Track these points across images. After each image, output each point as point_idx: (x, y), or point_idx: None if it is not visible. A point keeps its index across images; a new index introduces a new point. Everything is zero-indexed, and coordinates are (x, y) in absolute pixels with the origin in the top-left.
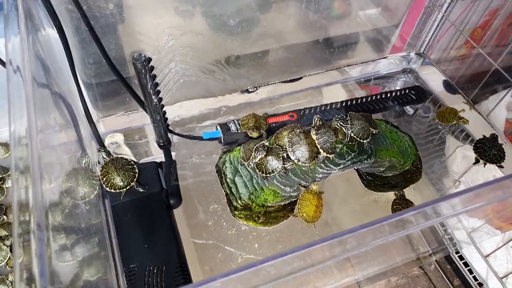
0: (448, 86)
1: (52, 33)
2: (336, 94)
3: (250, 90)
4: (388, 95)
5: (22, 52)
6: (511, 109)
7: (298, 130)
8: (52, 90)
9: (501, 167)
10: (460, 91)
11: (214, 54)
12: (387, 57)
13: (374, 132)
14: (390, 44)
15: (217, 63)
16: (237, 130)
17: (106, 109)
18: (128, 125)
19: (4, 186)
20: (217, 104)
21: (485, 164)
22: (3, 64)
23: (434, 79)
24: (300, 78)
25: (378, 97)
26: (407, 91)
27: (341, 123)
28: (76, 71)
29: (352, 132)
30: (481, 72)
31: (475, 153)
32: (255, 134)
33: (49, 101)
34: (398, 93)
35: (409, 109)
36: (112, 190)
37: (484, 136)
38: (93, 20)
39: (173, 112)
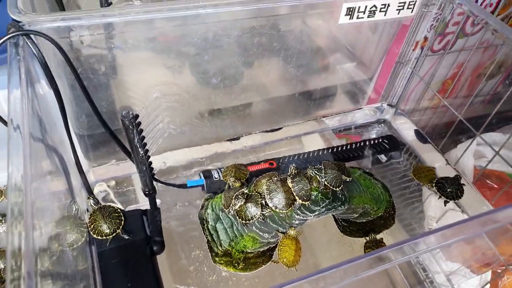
0: (420, 135)
1: (48, 89)
2: (314, 143)
3: (233, 140)
4: (362, 144)
5: (22, 110)
6: (478, 157)
7: (275, 178)
8: (46, 142)
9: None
10: (429, 140)
11: (199, 107)
12: (362, 108)
13: (347, 179)
14: (366, 96)
15: (201, 116)
16: (220, 177)
17: (96, 159)
18: (117, 174)
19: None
20: (201, 153)
21: (445, 202)
22: (5, 122)
23: (406, 129)
24: (281, 128)
25: (353, 146)
26: (380, 140)
27: (315, 172)
28: (69, 124)
29: (326, 180)
30: (449, 122)
31: (436, 189)
32: (237, 184)
33: (43, 152)
34: (372, 142)
35: (383, 157)
36: (99, 237)
37: (448, 176)
38: (87, 80)
39: (159, 161)
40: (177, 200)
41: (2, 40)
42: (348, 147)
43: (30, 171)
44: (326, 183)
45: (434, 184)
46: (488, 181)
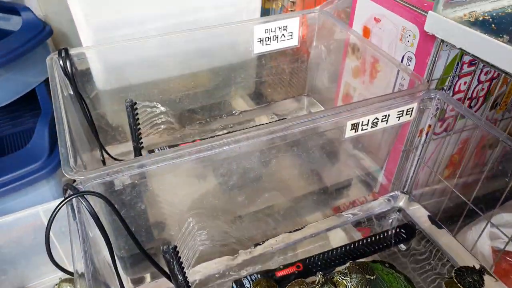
0: (434, 220)
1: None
2: (337, 237)
3: (258, 245)
4: (382, 236)
5: (85, 263)
6: (493, 238)
7: (304, 285)
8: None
9: None
10: (443, 226)
11: (225, 221)
12: (377, 198)
13: (371, 278)
14: (377, 184)
15: (228, 228)
16: (250, 285)
17: (136, 274)
18: None
19: None
20: (231, 262)
21: None
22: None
23: (420, 215)
24: (303, 227)
25: (373, 238)
26: (398, 230)
27: (342, 277)
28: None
29: (352, 285)
30: (460, 203)
31: (455, 276)
32: None
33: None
34: (389, 233)
35: (402, 246)
36: None
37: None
38: (128, 219)
39: (192, 276)
40: None
41: (63, 203)
42: (369, 240)
43: None
44: (352, 287)
45: (454, 272)
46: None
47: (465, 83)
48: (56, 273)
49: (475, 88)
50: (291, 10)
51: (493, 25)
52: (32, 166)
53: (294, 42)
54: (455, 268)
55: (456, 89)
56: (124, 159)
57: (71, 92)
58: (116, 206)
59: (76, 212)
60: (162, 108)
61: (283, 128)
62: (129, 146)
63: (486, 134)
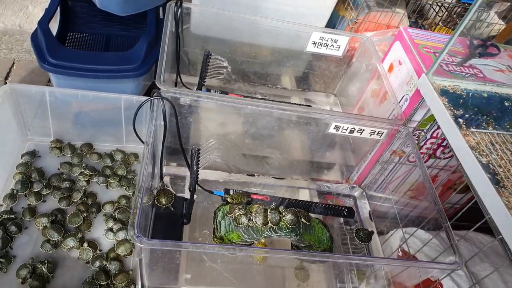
0: (370, 215)
1: (160, 125)
2: (303, 195)
3: (251, 175)
4: (331, 206)
5: (152, 136)
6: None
7: (262, 207)
8: (152, 151)
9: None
10: (373, 219)
11: (235, 152)
12: (342, 183)
13: (307, 223)
14: (350, 174)
15: (235, 156)
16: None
17: (168, 162)
18: (177, 173)
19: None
20: (229, 177)
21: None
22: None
23: (364, 207)
24: (284, 178)
25: (324, 205)
26: (342, 208)
27: (283, 211)
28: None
29: (286, 219)
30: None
31: (354, 232)
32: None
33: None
34: (337, 207)
35: (340, 220)
36: (159, 204)
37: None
38: (179, 123)
39: (201, 174)
40: (206, 199)
41: (149, 99)
42: (322, 205)
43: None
44: (285, 220)
45: (354, 230)
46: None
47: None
48: (113, 143)
49: None
50: (351, 27)
51: (461, 100)
52: (127, 66)
53: (339, 53)
54: (357, 228)
55: (434, 135)
56: (190, 89)
57: (173, 30)
58: (176, 113)
59: (154, 107)
60: (227, 64)
61: (292, 110)
62: (195, 79)
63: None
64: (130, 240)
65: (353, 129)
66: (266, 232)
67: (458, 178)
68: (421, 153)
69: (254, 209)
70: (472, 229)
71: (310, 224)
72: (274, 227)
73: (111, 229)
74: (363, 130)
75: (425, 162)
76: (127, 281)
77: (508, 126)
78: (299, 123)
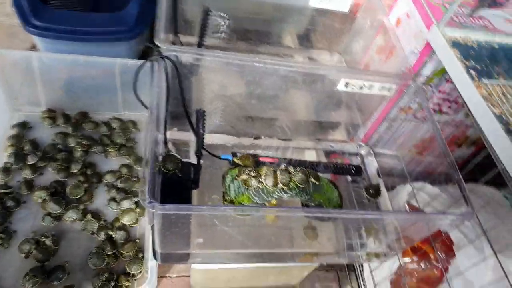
0: (378, 172)
1: (164, 85)
2: (310, 156)
3: (257, 138)
4: (339, 166)
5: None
6: (411, 197)
7: (272, 168)
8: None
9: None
10: (381, 176)
11: (241, 114)
12: (348, 141)
13: (316, 183)
14: (356, 133)
15: (241, 118)
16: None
17: (173, 126)
18: (182, 138)
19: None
20: (235, 141)
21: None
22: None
23: (371, 165)
24: (291, 140)
25: (332, 165)
26: (350, 167)
27: (293, 170)
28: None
29: (296, 178)
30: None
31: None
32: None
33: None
34: (345, 166)
35: (348, 178)
36: (165, 170)
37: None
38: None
39: (208, 138)
40: (213, 164)
41: (150, 59)
42: (329, 164)
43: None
44: (295, 180)
45: (363, 187)
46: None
47: (450, 88)
48: (109, 111)
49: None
50: None
51: (472, 52)
52: (120, 28)
53: (344, 8)
54: (366, 185)
55: (442, 89)
56: (190, 47)
57: None
58: (179, 73)
59: (155, 68)
60: (228, 21)
61: (300, 67)
62: (193, 39)
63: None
64: (135, 208)
65: (362, 86)
66: (277, 193)
67: (462, 134)
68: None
69: (264, 171)
70: (484, 180)
71: (320, 183)
72: (285, 187)
73: (114, 199)
74: (373, 86)
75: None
76: (135, 249)
77: None
78: (305, 82)
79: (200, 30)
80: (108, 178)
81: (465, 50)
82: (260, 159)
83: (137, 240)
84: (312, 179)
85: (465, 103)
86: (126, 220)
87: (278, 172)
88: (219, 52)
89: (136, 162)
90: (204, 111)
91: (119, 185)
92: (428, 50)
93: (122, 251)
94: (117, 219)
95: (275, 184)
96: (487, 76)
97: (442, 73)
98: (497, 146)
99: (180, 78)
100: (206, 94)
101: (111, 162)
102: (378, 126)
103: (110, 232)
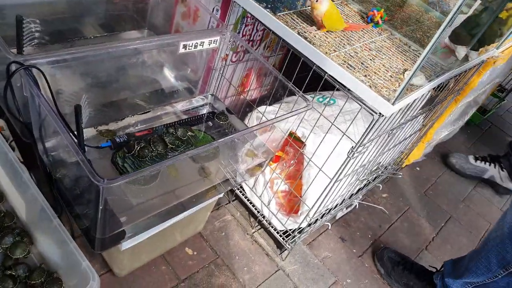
0: (228, 111)
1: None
2: (171, 119)
3: (121, 120)
4: (199, 116)
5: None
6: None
7: (156, 135)
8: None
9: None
10: (233, 112)
11: (103, 101)
12: (196, 97)
13: (192, 133)
14: (197, 90)
15: (105, 105)
16: (121, 140)
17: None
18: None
19: None
20: (103, 128)
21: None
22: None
23: (220, 107)
24: (150, 111)
25: (193, 117)
26: (207, 114)
27: (172, 131)
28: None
29: (178, 134)
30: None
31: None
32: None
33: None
34: (203, 115)
35: (209, 123)
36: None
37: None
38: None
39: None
40: (98, 155)
41: (17, 70)
42: (191, 118)
43: None
44: (178, 135)
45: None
46: None
47: (249, 30)
48: None
49: (255, 34)
50: None
51: None
52: None
53: None
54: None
55: (243, 33)
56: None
57: None
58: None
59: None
60: (39, 26)
61: (136, 43)
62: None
63: (262, 65)
64: (22, 240)
65: (196, 44)
66: (169, 154)
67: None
68: (238, 51)
69: (151, 139)
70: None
71: (195, 134)
72: (173, 146)
73: None
74: (203, 42)
75: (242, 58)
76: (45, 273)
77: (298, 5)
78: (151, 54)
79: (17, 40)
80: None
81: None
82: (137, 134)
83: (42, 265)
84: (190, 132)
85: (272, 30)
86: (18, 253)
87: (163, 136)
88: (78, 49)
89: None
90: (80, 106)
91: None
92: (227, 4)
93: (32, 281)
94: (8, 257)
95: (165, 146)
96: (278, 11)
97: (239, 21)
98: (304, 50)
99: (48, 82)
100: (74, 95)
101: None
102: (210, 76)
103: (9, 272)
